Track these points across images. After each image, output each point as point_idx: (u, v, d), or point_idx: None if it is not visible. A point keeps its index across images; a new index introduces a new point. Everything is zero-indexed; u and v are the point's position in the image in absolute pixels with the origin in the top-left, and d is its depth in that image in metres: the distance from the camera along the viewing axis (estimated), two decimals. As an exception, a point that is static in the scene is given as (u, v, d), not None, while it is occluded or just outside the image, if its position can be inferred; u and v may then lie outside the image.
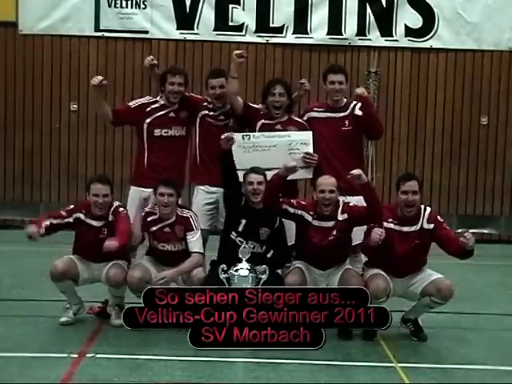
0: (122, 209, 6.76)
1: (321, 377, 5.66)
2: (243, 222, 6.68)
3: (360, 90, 7.00)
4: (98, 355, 5.92)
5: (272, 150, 6.88)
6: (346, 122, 7.03)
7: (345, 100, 7.14)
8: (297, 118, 7.12)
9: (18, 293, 7.74)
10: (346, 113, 7.05)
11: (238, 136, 6.86)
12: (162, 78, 7.17)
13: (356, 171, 6.39)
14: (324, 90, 7.21)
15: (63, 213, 6.72)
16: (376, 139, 7.49)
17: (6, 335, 6.37)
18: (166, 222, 6.73)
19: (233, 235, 6.70)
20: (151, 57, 7.32)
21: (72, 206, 6.81)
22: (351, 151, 7.04)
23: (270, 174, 6.78)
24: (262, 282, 6.40)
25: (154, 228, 6.75)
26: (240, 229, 6.68)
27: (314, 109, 7.20)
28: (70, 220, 6.70)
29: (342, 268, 6.65)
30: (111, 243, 6.40)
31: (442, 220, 6.55)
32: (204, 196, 7.07)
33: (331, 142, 6.94)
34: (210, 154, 7.00)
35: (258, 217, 6.68)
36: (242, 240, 6.61)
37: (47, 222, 6.58)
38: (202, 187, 7.10)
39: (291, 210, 6.60)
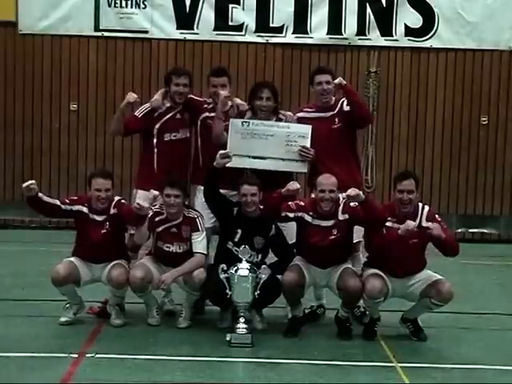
0: (123, 201, 6.80)
1: (320, 376, 5.67)
2: (239, 231, 6.68)
3: (338, 80, 6.97)
4: (97, 355, 5.92)
5: (269, 139, 6.88)
6: (336, 119, 7.02)
7: (334, 98, 7.13)
8: (283, 118, 7.06)
9: (18, 293, 7.73)
10: (335, 111, 7.04)
11: (237, 121, 6.88)
12: (167, 79, 7.17)
13: (352, 192, 6.37)
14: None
15: (66, 200, 6.79)
16: (365, 126, 7.37)
17: (6, 335, 6.38)
18: (173, 223, 6.73)
19: (229, 245, 6.68)
20: (135, 95, 7.15)
21: (75, 198, 6.88)
22: (344, 149, 7.03)
23: (263, 164, 6.83)
24: (261, 281, 6.41)
25: (161, 228, 6.74)
26: (236, 239, 6.66)
27: (305, 109, 7.20)
28: (73, 208, 6.72)
29: (341, 267, 6.65)
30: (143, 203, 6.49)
31: (439, 219, 6.56)
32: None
33: (323, 141, 6.91)
34: (211, 155, 6.95)
35: (252, 226, 6.67)
36: (237, 250, 6.56)
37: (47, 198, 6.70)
38: (202, 188, 7.07)
39: (291, 215, 6.60)
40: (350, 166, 7.09)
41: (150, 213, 6.70)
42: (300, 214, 6.59)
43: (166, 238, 6.74)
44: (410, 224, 6.32)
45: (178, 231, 6.73)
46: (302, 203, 6.64)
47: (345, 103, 7.06)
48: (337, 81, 6.97)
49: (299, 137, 6.89)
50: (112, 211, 6.70)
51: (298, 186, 6.60)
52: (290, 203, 6.59)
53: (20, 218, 11.92)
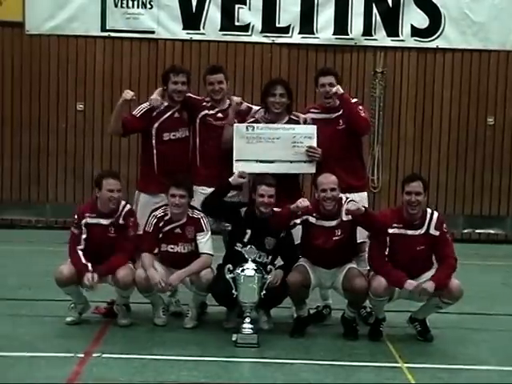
0: (132, 219, 6.77)
1: (326, 376, 5.68)
2: (248, 232, 6.66)
3: (335, 89, 6.91)
4: (104, 355, 5.93)
5: (275, 142, 6.87)
6: (341, 121, 6.99)
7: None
8: (297, 119, 7.05)
9: (25, 292, 7.76)
10: (340, 112, 7.01)
11: (241, 127, 6.88)
12: (165, 77, 7.15)
13: (352, 207, 6.39)
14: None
15: (75, 231, 6.72)
16: (363, 135, 7.31)
17: (13, 335, 6.39)
18: (177, 223, 6.73)
19: (238, 246, 6.66)
20: (132, 93, 7.07)
21: (76, 216, 6.79)
22: (348, 150, 6.98)
23: (272, 167, 6.83)
24: (268, 281, 6.42)
25: (165, 229, 6.73)
26: (245, 239, 6.64)
27: (311, 110, 7.17)
28: (84, 230, 6.69)
29: (346, 267, 6.64)
30: (89, 278, 6.49)
31: (446, 230, 6.55)
32: (202, 198, 6.96)
33: (328, 142, 6.88)
34: (210, 155, 7.01)
35: (263, 226, 6.65)
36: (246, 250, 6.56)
37: (88, 266, 6.56)
38: (199, 189, 7.03)
39: (298, 221, 6.58)
40: (355, 167, 7.07)
41: (154, 220, 6.71)
42: (305, 217, 6.58)
43: (170, 239, 6.73)
44: (410, 285, 6.35)
45: (182, 232, 6.72)
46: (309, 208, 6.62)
47: None
48: (334, 89, 6.90)
49: (305, 137, 6.89)
50: (121, 221, 6.70)
51: (308, 203, 6.52)
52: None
53: (27, 218, 11.97)
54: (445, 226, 6.55)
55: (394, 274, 6.40)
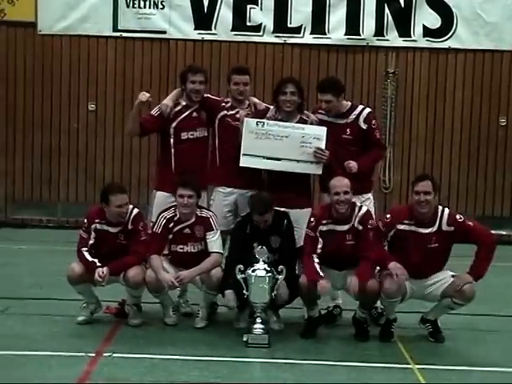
0: (142, 223, 6.78)
1: (337, 377, 5.67)
2: (255, 245, 6.56)
3: (349, 169, 6.81)
4: (114, 355, 5.95)
5: (284, 141, 6.86)
6: (348, 130, 6.94)
7: (348, 104, 7.06)
8: (307, 119, 7.00)
9: (36, 292, 7.79)
10: (348, 120, 6.97)
11: (251, 121, 6.88)
12: (182, 77, 7.16)
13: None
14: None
15: (85, 235, 6.74)
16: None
17: (24, 334, 6.41)
18: (186, 223, 6.74)
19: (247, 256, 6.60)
20: (148, 94, 7.10)
21: (85, 221, 6.80)
22: (352, 157, 6.88)
23: (278, 165, 6.83)
24: (279, 282, 6.41)
25: (174, 230, 6.75)
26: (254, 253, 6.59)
27: (319, 111, 7.11)
28: (94, 235, 6.72)
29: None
30: (100, 272, 6.51)
31: (461, 219, 6.53)
32: (221, 198, 7.05)
33: (333, 147, 6.83)
34: (229, 155, 7.00)
35: (267, 229, 6.65)
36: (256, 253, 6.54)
37: (96, 262, 6.58)
38: (219, 188, 7.07)
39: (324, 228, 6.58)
40: (360, 171, 6.97)
41: (163, 221, 6.72)
42: (319, 229, 6.56)
43: (179, 239, 6.75)
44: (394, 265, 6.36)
45: (191, 231, 6.73)
46: (317, 217, 6.58)
47: (361, 117, 6.97)
48: (348, 170, 6.82)
49: (314, 138, 6.87)
50: (130, 226, 6.72)
51: (329, 285, 6.46)
52: (310, 233, 6.54)
53: (38, 218, 12.01)
54: (459, 216, 6.54)
55: (383, 254, 6.43)
